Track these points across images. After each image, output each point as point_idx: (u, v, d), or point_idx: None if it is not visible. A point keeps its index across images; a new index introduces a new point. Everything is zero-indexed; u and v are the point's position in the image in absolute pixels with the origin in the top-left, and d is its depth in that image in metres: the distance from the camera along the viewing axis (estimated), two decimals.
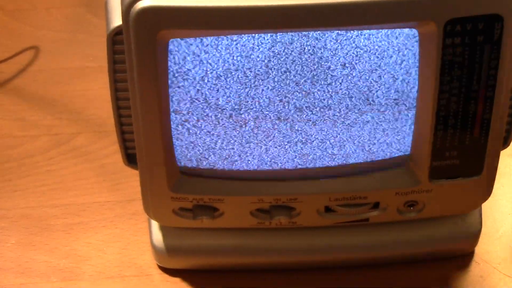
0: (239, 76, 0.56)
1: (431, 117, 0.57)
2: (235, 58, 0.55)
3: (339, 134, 0.60)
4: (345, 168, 0.62)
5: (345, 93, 0.57)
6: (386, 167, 0.62)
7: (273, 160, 0.61)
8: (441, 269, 0.69)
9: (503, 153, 0.64)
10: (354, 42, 0.55)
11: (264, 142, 0.60)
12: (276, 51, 0.55)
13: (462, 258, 0.70)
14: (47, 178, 0.77)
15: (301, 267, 0.69)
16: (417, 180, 0.62)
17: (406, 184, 0.62)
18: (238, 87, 0.57)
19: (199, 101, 0.57)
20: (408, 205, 0.64)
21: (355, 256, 0.68)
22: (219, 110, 0.58)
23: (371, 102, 0.58)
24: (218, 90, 0.57)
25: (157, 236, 0.67)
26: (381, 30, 0.54)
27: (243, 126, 0.59)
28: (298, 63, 0.55)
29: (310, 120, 0.59)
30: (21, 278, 0.69)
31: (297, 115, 0.58)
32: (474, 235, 0.68)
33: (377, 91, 0.57)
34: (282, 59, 0.55)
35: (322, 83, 0.57)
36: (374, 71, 0.56)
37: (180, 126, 0.59)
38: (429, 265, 0.69)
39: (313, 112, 0.58)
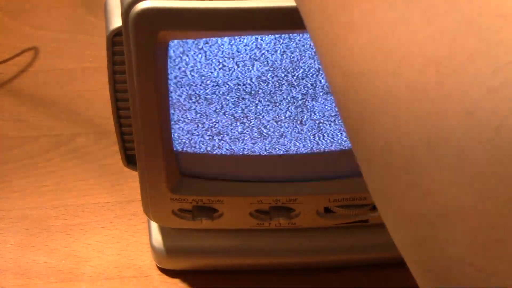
0: (239, 69, 0.56)
1: None
2: (234, 52, 0.55)
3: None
4: (344, 169, 0.62)
5: None
6: None
7: (273, 146, 0.61)
8: None
9: None
10: None
11: (265, 129, 0.60)
12: (275, 46, 0.55)
13: None
14: (46, 179, 0.77)
15: (300, 268, 0.69)
16: None
17: None
18: (238, 81, 0.57)
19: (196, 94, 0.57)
20: None
21: (354, 257, 0.68)
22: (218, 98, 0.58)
23: None
24: (216, 85, 0.57)
25: (157, 237, 0.67)
26: None
27: (244, 118, 0.59)
28: (299, 54, 0.56)
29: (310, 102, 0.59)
30: (21, 279, 0.69)
31: (298, 102, 0.58)
32: None
33: None
34: (281, 52, 0.55)
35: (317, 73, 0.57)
36: None
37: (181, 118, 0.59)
38: None
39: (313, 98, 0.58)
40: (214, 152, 0.61)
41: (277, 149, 0.61)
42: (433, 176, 0.28)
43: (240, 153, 0.61)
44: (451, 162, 0.27)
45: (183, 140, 0.60)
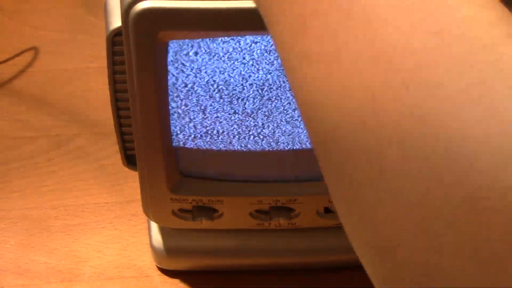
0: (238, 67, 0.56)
1: None
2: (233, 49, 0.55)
3: None
4: None
5: None
6: None
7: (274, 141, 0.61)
8: None
9: None
10: None
11: (265, 126, 0.60)
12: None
13: None
14: (46, 179, 0.77)
15: (300, 268, 0.69)
16: None
17: None
18: (238, 78, 0.57)
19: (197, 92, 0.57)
20: None
21: (354, 257, 0.68)
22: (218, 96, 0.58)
23: None
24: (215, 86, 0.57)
25: (157, 238, 0.67)
26: None
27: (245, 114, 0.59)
28: None
29: None
30: (21, 279, 0.69)
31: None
32: None
33: None
34: None
35: None
36: None
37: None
38: None
39: None
40: (213, 148, 0.61)
41: (277, 146, 0.61)
42: (375, 211, 0.29)
43: (239, 150, 0.61)
44: (388, 198, 0.28)
45: (183, 137, 0.60)
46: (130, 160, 0.64)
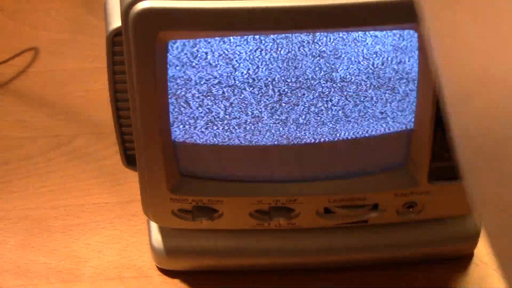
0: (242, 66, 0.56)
1: (430, 118, 0.57)
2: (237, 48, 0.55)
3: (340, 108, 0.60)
4: (344, 169, 0.62)
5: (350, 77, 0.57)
6: (386, 167, 0.62)
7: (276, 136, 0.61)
8: (440, 271, 0.69)
9: None
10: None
11: (268, 120, 0.60)
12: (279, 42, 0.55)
13: (462, 260, 0.70)
14: (46, 179, 0.77)
15: (300, 268, 0.69)
16: (416, 182, 0.62)
17: (405, 185, 0.62)
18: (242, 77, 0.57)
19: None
20: (407, 207, 0.64)
21: (354, 257, 0.68)
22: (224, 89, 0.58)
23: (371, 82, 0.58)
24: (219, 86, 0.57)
25: (157, 238, 0.67)
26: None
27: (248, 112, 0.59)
28: (303, 51, 0.56)
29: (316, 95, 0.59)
30: (20, 279, 0.69)
31: (302, 92, 0.58)
32: (473, 237, 0.68)
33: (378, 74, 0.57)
34: (286, 46, 0.55)
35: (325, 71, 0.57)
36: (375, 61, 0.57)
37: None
38: (428, 267, 0.69)
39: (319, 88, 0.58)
40: (213, 143, 0.61)
41: (277, 140, 0.61)
42: None
43: (239, 144, 0.61)
44: None
45: (184, 135, 0.60)
46: (130, 160, 0.64)
